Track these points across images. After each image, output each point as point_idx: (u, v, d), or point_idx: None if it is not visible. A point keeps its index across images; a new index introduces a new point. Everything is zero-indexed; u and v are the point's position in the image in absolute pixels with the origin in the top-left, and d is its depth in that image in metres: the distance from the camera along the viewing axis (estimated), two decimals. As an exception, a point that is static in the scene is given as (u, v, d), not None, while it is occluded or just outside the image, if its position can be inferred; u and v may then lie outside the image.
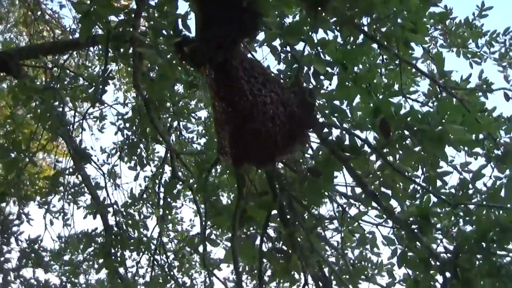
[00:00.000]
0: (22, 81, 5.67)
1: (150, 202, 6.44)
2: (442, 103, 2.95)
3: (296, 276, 3.59)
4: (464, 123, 2.75)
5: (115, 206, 5.94)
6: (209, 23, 2.69)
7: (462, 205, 3.16)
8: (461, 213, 3.34)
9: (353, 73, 3.17)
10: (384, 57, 3.66)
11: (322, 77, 3.07)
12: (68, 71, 6.54)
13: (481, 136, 3.69)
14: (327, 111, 2.95)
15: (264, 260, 3.50)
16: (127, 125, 5.97)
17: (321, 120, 3.00)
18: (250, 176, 3.45)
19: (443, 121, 2.69)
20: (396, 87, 3.63)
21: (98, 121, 6.88)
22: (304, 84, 2.94)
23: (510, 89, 4.51)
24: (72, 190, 6.26)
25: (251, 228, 3.43)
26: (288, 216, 3.37)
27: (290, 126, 2.73)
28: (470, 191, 3.64)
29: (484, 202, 3.28)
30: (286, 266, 3.60)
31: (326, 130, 2.99)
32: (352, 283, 3.83)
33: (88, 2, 3.53)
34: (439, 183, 3.32)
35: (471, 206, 3.25)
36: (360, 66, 3.41)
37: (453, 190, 3.63)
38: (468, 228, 3.30)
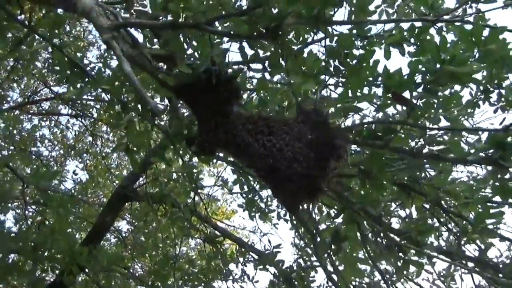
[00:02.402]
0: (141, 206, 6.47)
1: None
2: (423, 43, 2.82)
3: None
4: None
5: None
6: (200, 116, 2.85)
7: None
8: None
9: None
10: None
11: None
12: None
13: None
14: (340, 115, 2.95)
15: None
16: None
17: (342, 126, 3.00)
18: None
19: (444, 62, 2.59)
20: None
21: (222, 187, 7.64)
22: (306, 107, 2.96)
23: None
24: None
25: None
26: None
27: (316, 153, 2.74)
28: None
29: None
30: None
31: (353, 132, 2.99)
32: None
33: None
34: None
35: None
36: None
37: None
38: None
